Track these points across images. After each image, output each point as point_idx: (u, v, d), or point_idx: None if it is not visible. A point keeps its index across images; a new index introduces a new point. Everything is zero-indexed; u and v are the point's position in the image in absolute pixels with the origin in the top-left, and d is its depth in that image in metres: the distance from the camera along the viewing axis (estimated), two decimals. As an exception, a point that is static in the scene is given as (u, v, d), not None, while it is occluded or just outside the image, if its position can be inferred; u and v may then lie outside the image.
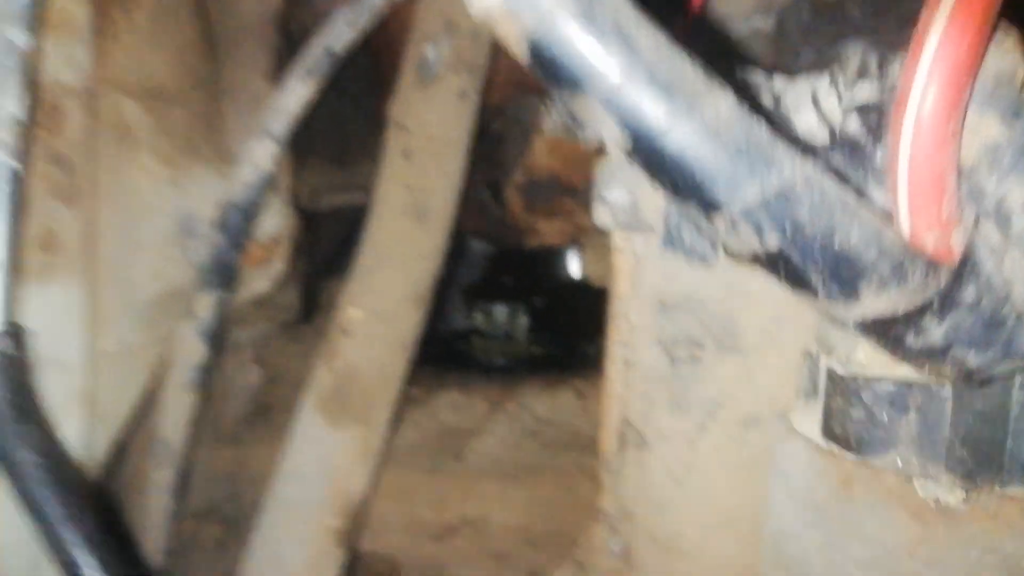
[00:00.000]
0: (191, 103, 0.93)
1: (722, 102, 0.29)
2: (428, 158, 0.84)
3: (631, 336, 0.56)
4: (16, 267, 0.55)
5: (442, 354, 1.21)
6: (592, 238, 1.19)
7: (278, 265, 1.01)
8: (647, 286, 0.55)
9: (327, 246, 1.79)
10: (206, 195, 0.90)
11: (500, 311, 1.19)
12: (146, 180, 0.84)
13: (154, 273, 0.86)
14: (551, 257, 1.24)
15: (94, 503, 0.72)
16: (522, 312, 1.19)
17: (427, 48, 0.84)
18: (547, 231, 1.17)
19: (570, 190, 1.15)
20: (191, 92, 0.93)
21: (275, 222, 0.98)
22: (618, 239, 0.56)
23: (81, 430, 0.78)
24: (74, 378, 0.76)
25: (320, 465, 0.77)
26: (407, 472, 0.90)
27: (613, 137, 0.29)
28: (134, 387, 0.87)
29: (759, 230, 0.30)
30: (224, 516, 1.03)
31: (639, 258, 0.55)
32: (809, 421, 0.46)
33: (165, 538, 0.88)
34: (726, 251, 0.38)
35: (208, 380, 0.94)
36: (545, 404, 1.02)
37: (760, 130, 0.29)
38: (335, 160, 1.28)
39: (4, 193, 0.49)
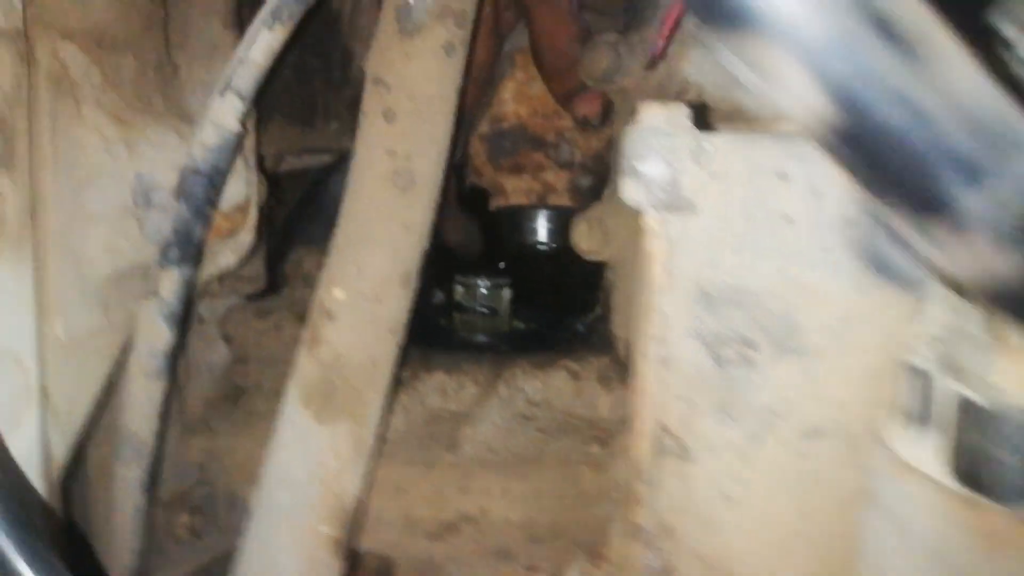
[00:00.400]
0: (141, 50, 0.82)
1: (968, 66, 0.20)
2: (412, 120, 0.75)
3: (667, 331, 0.50)
4: None
5: (422, 331, 1.13)
6: (579, 202, 1.12)
7: (245, 236, 0.93)
8: (686, 275, 0.49)
9: (288, 209, 1.69)
10: (163, 158, 0.81)
11: (482, 284, 1.11)
12: (94, 139, 0.74)
13: (108, 248, 0.76)
14: (524, 222, 1.17)
15: (50, 524, 0.64)
16: (505, 285, 1.12)
17: (410, -8, 0.75)
18: (513, 189, 1.10)
19: (538, 142, 1.08)
20: (140, 37, 0.82)
21: (240, 189, 0.89)
22: (651, 220, 0.49)
23: (38, 430, 0.69)
24: (27, 372, 0.67)
25: (309, 466, 0.70)
26: (399, 465, 0.84)
27: (807, 105, 0.20)
28: (94, 378, 0.78)
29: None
30: (196, 505, 0.96)
31: (675, 242, 0.49)
32: (923, 453, 0.40)
33: (138, 538, 0.81)
34: (950, 276, 0.27)
35: (174, 365, 0.86)
36: (537, 386, 0.95)
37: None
38: (300, 119, 1.18)
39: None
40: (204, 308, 1.23)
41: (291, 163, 1.25)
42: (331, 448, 0.73)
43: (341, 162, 1.38)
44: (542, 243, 1.13)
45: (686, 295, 0.49)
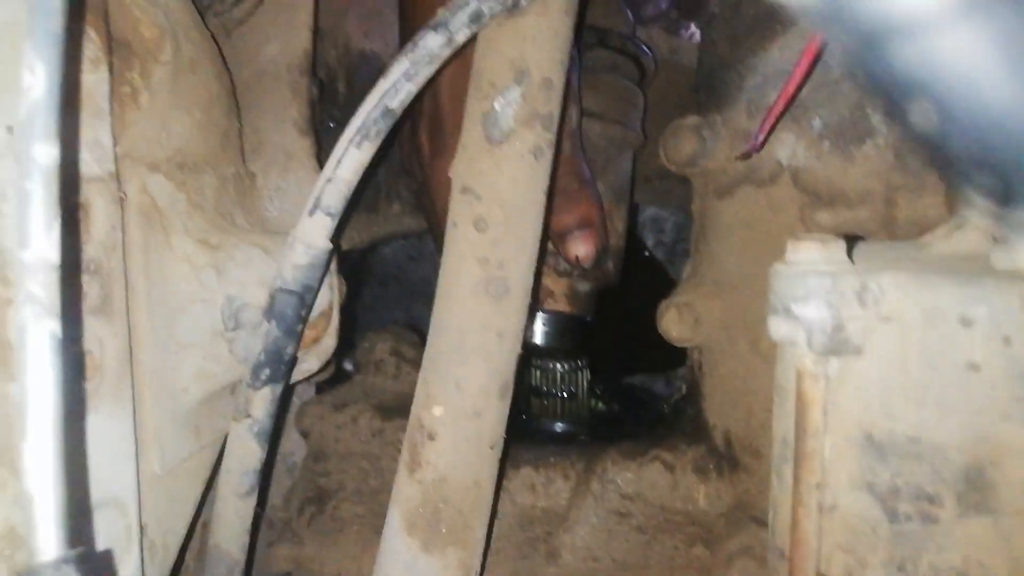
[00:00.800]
0: (220, 166, 0.81)
1: None
2: (503, 227, 0.73)
3: (827, 478, 0.46)
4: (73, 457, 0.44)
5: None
6: (578, 308, 1.07)
7: (328, 341, 0.91)
8: (850, 420, 0.45)
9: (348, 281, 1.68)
10: (250, 277, 0.79)
11: (560, 367, 1.08)
12: (184, 269, 0.72)
13: (200, 374, 0.75)
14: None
15: None
16: (583, 367, 1.09)
17: (495, 101, 0.73)
18: None
19: None
20: (219, 153, 0.81)
21: (323, 296, 0.87)
22: (808, 362, 0.46)
23: (137, 571, 0.67)
24: (128, 514, 0.65)
25: (420, 604, 0.67)
26: (500, 581, 0.80)
27: None
28: (188, 505, 0.76)
29: None
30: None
31: (835, 384, 0.45)
32: None
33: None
34: None
35: (265, 480, 0.84)
36: (630, 479, 0.91)
37: None
38: (365, 206, 1.17)
39: (48, 368, 0.37)
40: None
41: (358, 245, 1.24)
42: (438, 577, 0.70)
43: (401, 236, 1.37)
44: (538, 346, 1.09)
45: (850, 442, 0.45)
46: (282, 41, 0.91)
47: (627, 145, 1.09)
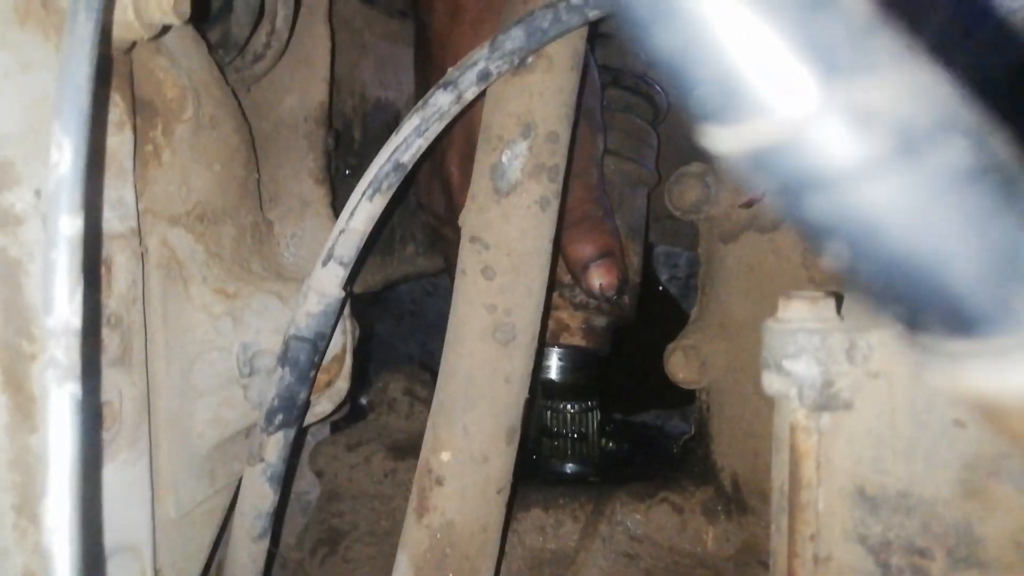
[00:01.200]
0: (239, 217, 0.84)
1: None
2: (511, 275, 0.75)
3: (822, 530, 0.47)
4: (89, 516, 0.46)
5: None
6: (594, 343, 1.08)
7: (341, 384, 0.93)
8: (842, 473, 0.46)
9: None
10: (265, 324, 0.82)
11: (571, 408, 1.09)
12: (201, 318, 0.75)
13: (215, 420, 0.77)
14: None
15: None
16: (594, 408, 1.10)
17: (502, 154, 0.75)
18: None
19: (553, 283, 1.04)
20: (238, 204, 0.84)
21: (337, 340, 0.90)
22: (799, 415, 0.47)
23: (148, 614, 0.69)
24: (143, 560, 0.67)
25: (427, 649, 0.68)
26: (508, 624, 0.81)
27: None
28: (202, 548, 0.78)
29: None
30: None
31: (827, 436, 0.47)
32: None
33: None
34: None
35: (278, 522, 0.85)
36: (639, 520, 0.92)
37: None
38: (380, 249, 1.20)
39: (67, 428, 0.40)
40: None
41: (372, 288, 1.27)
42: (445, 621, 0.71)
43: (415, 277, 1.40)
44: (552, 381, 1.10)
45: (843, 495, 0.46)
46: (299, 94, 0.94)
47: (641, 183, 1.10)
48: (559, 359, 1.09)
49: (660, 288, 1.93)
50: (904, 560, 0.44)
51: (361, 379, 1.35)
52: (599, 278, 0.94)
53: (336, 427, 1.25)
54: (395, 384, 1.21)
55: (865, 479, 0.45)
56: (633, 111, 1.12)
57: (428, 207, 1.06)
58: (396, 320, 2.08)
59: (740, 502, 0.90)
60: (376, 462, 1.07)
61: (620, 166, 1.07)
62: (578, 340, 1.06)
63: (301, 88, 0.94)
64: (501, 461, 0.75)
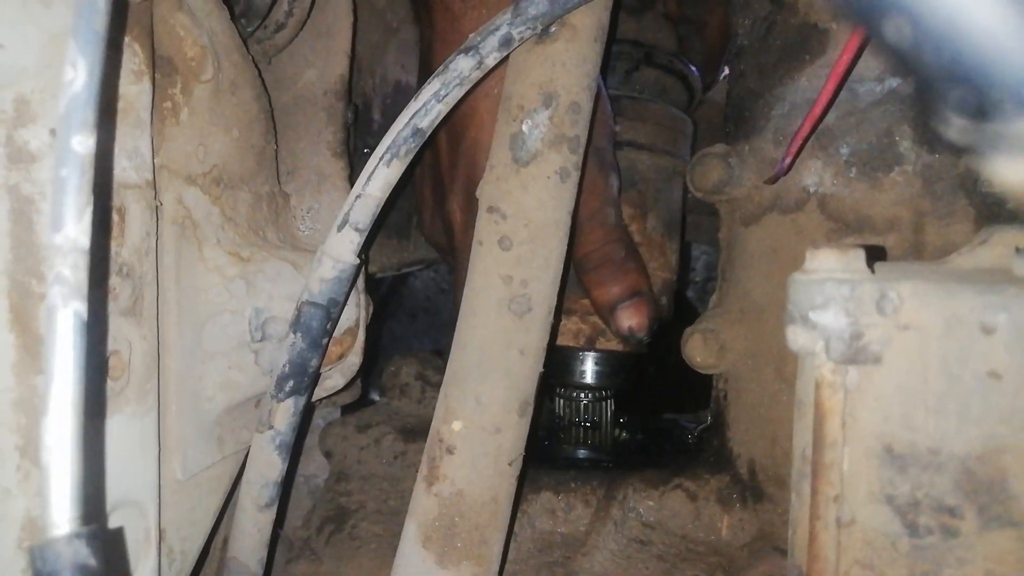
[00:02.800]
0: (255, 184, 0.84)
1: None
2: (528, 246, 0.74)
3: (846, 491, 0.45)
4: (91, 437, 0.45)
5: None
6: (630, 347, 1.05)
7: (354, 359, 0.92)
8: (868, 430, 0.44)
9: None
10: (278, 290, 0.81)
11: (584, 397, 1.07)
12: (214, 279, 0.74)
13: (225, 384, 0.76)
14: (571, 363, 1.09)
15: None
16: (608, 397, 1.08)
17: (523, 124, 0.74)
18: (562, 329, 1.02)
19: None
20: (255, 172, 0.84)
21: (351, 313, 0.89)
22: (826, 371, 0.45)
23: (152, 572, 0.68)
24: (147, 517, 0.66)
25: (433, 617, 0.66)
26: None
27: None
28: (208, 513, 0.77)
29: None
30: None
31: (854, 394, 0.45)
32: None
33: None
34: None
35: (284, 493, 0.84)
36: (652, 507, 0.90)
37: None
38: (395, 231, 1.19)
39: (70, 348, 0.39)
40: (302, 421, 1.22)
41: (389, 271, 1.26)
42: (452, 593, 0.69)
43: (430, 263, 1.39)
44: (588, 386, 1.07)
45: (868, 454, 0.44)
46: (320, 67, 0.94)
47: (677, 175, 1.06)
48: (595, 364, 1.06)
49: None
50: (933, 520, 0.42)
51: (374, 371, 1.34)
52: (628, 319, 0.91)
53: (347, 411, 1.24)
54: (407, 369, 1.20)
55: (893, 437, 0.43)
56: (667, 94, 1.09)
57: (430, 239, 1.05)
58: (411, 317, 2.07)
59: (756, 489, 0.88)
60: (386, 444, 1.06)
61: (655, 160, 1.03)
62: (614, 344, 1.03)
63: (322, 61, 0.94)
64: (513, 433, 0.73)
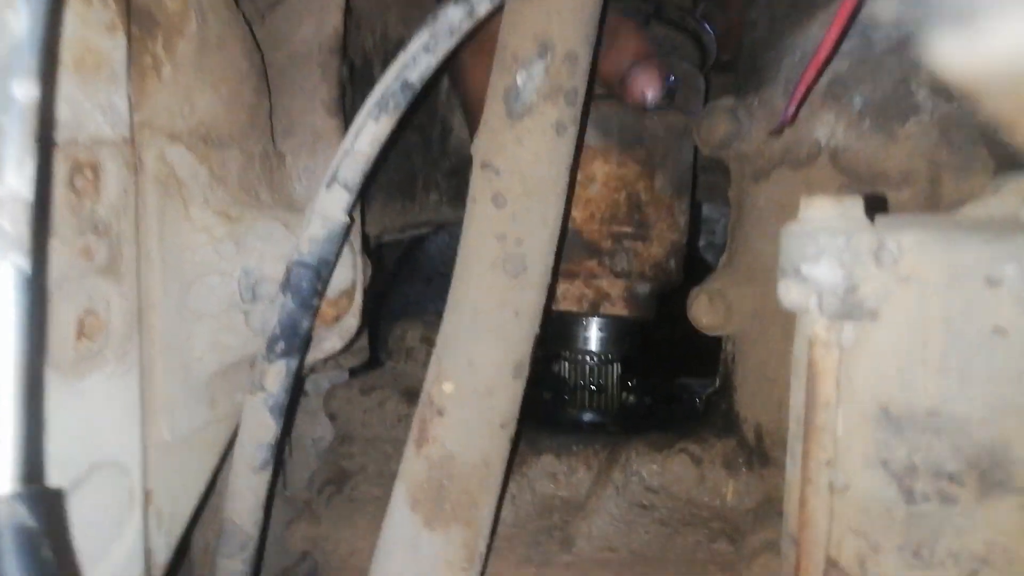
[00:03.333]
0: (247, 143, 0.82)
1: None
2: (523, 203, 0.71)
3: (839, 454, 0.43)
4: (34, 397, 0.43)
5: (527, 408, 1.07)
6: (636, 312, 1.01)
7: (351, 320, 0.90)
8: (864, 392, 0.42)
9: (387, 273, 1.69)
10: (269, 250, 0.79)
11: (590, 360, 1.05)
12: (201, 239, 0.73)
13: (215, 345, 0.75)
14: (575, 329, 1.06)
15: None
16: (614, 360, 1.05)
17: (517, 75, 0.71)
18: (564, 294, 1.00)
19: (593, 249, 0.97)
20: (246, 130, 0.81)
21: (347, 274, 0.87)
22: (820, 328, 0.42)
23: (139, 536, 0.67)
24: (131, 478, 0.66)
25: (419, 575, 0.65)
26: (511, 566, 0.78)
27: None
28: (199, 475, 0.76)
29: None
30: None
31: (850, 353, 0.42)
32: None
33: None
34: None
35: (280, 455, 0.83)
36: (655, 471, 0.88)
37: None
38: (400, 193, 1.17)
39: (9, 304, 0.37)
40: (308, 383, 1.22)
41: (394, 235, 1.24)
42: (443, 556, 0.68)
43: (438, 225, 1.36)
44: (592, 352, 1.03)
45: (864, 416, 0.42)
46: (314, 22, 0.91)
47: (687, 133, 1.00)
48: (599, 329, 1.03)
49: (695, 255, 1.87)
50: (931, 486, 0.39)
51: (377, 326, 1.32)
52: (642, 85, 0.84)
53: (353, 375, 1.23)
54: (413, 332, 1.18)
55: (890, 397, 0.41)
56: (678, 53, 1.04)
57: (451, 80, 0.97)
58: (426, 282, 2.05)
59: (762, 454, 0.85)
60: (390, 406, 1.05)
61: (664, 117, 0.98)
62: (620, 309, 0.99)
63: (316, 16, 0.90)
64: (507, 395, 0.71)
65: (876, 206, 0.44)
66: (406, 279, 1.98)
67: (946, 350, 0.38)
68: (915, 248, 0.39)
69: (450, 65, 0.92)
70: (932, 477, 0.39)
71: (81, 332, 0.59)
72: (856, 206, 0.41)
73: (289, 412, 0.81)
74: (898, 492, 0.41)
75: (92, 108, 0.59)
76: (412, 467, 0.69)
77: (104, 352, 0.61)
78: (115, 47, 0.61)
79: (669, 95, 0.87)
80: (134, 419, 0.65)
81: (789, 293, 0.42)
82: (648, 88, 0.84)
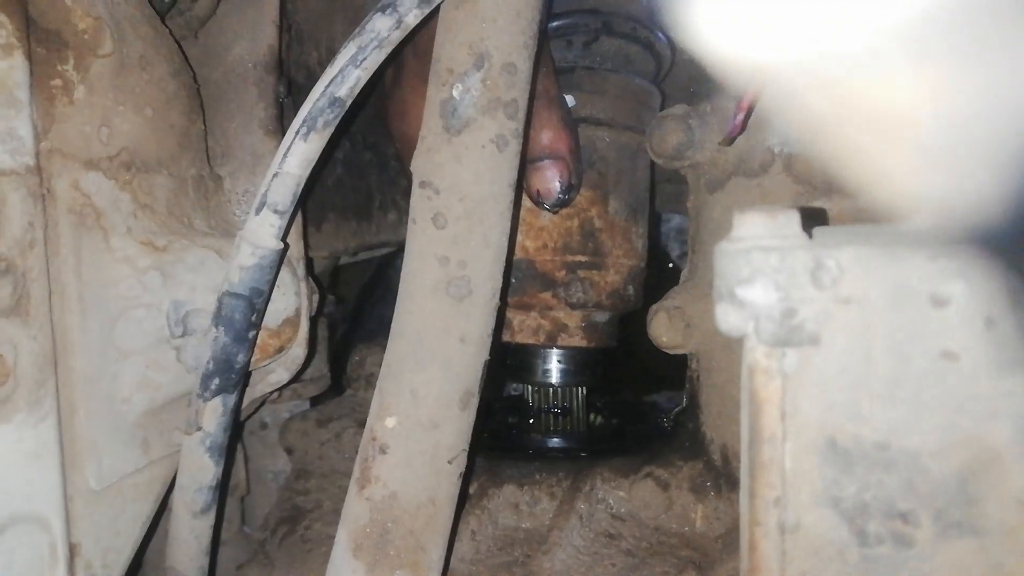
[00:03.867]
0: (178, 168, 0.78)
1: None
2: (464, 223, 0.67)
3: (787, 491, 0.39)
4: None
5: (488, 436, 1.02)
6: (596, 341, 0.98)
7: (297, 350, 0.86)
8: (811, 423, 0.38)
9: (355, 296, 1.65)
10: (201, 281, 0.75)
11: (555, 383, 1.01)
12: (124, 271, 0.68)
13: (143, 384, 0.70)
14: (533, 360, 1.02)
15: None
16: (579, 383, 1.01)
17: (453, 88, 0.68)
18: (520, 326, 0.97)
19: (547, 281, 0.93)
20: (176, 154, 0.77)
21: (288, 302, 0.83)
22: (759, 355, 0.39)
23: (64, 593, 0.63)
24: (52, 532, 0.61)
25: (361, 633, 0.61)
26: (468, 609, 0.73)
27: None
28: (134, 522, 0.72)
29: None
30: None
31: (792, 380, 0.38)
32: None
33: None
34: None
35: (222, 496, 0.79)
36: (622, 498, 0.84)
37: None
38: (355, 213, 1.13)
39: None
40: (267, 414, 1.17)
41: (352, 258, 1.20)
42: (390, 604, 0.64)
43: (398, 246, 1.32)
44: (552, 385, 1.00)
45: (811, 449, 0.38)
46: (248, 40, 0.87)
47: (641, 152, 0.96)
48: (559, 361, 1.00)
49: (671, 265, 1.84)
50: (884, 527, 0.36)
51: (345, 351, 1.28)
52: (537, 182, 0.80)
53: (316, 404, 1.19)
54: (372, 358, 1.14)
55: (837, 429, 0.37)
56: (632, 64, 1.00)
57: (387, 125, 0.93)
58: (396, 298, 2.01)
59: (730, 477, 0.82)
60: (347, 438, 1.01)
61: (616, 137, 0.94)
62: (578, 341, 0.95)
63: (250, 32, 0.87)
64: (453, 428, 0.67)
65: (815, 218, 0.40)
66: (380, 298, 1.93)
67: (893, 377, 0.35)
68: (855, 266, 0.35)
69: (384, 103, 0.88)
70: (884, 517, 0.36)
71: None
72: (791, 221, 0.37)
73: (231, 451, 0.77)
74: (850, 533, 0.37)
75: (-14, 137, 0.55)
76: (353, 510, 0.65)
77: (13, 399, 0.57)
78: (13, 68, 0.57)
79: (561, 204, 0.84)
80: (53, 469, 0.61)
81: (727, 318, 0.39)
82: (543, 187, 0.81)
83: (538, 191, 0.81)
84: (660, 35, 1.00)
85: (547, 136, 0.80)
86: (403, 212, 1.23)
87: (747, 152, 0.76)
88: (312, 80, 1.04)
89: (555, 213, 0.89)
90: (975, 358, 0.34)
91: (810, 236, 0.39)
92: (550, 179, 0.81)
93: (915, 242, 0.35)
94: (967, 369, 0.34)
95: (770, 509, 0.40)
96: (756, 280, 0.36)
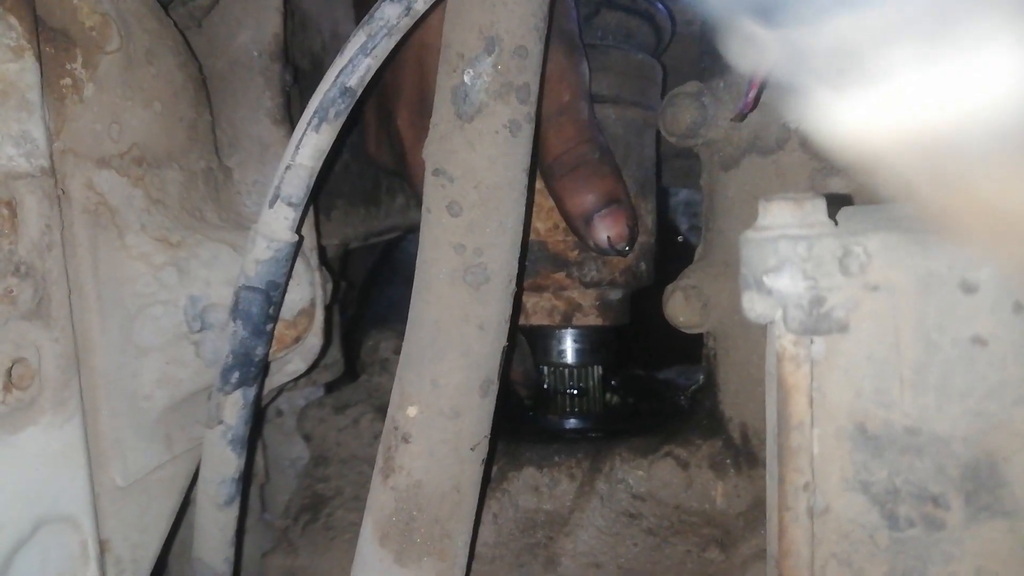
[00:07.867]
0: (188, 160, 0.77)
1: None
2: (480, 210, 0.67)
3: (817, 476, 0.39)
4: None
5: (506, 419, 1.03)
6: (611, 319, 0.97)
7: (313, 340, 0.86)
8: (840, 409, 0.38)
9: (363, 278, 1.65)
10: (217, 275, 0.75)
11: (570, 364, 1.01)
12: (140, 269, 0.68)
13: (164, 380, 0.71)
14: (549, 342, 1.01)
15: None
16: (595, 363, 1.02)
17: (464, 74, 0.67)
18: (534, 308, 0.96)
19: (559, 262, 0.93)
20: (186, 147, 0.77)
21: (304, 293, 0.83)
22: (787, 343, 0.39)
23: (96, 589, 0.64)
24: (82, 531, 0.62)
25: (390, 624, 0.61)
26: (491, 591, 0.74)
27: None
28: (160, 516, 0.73)
29: None
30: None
31: (820, 366, 0.38)
32: None
33: None
34: None
35: (245, 487, 0.80)
36: (641, 477, 0.84)
37: None
38: (363, 199, 1.13)
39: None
40: (283, 401, 1.18)
41: (362, 243, 1.20)
42: (417, 591, 0.65)
43: (407, 230, 1.32)
44: (568, 365, 1.00)
45: (841, 435, 0.38)
46: (253, 28, 0.87)
47: (648, 127, 0.96)
48: (575, 341, 1.00)
49: (680, 239, 1.83)
50: (914, 510, 0.36)
51: (355, 334, 1.29)
52: (606, 230, 0.81)
53: (331, 389, 1.20)
54: (386, 343, 1.14)
55: (866, 415, 0.37)
56: (633, 38, 0.99)
57: (376, 160, 0.95)
58: (407, 282, 2.01)
59: (750, 454, 0.82)
60: (365, 424, 1.01)
61: (622, 113, 0.93)
62: (593, 319, 0.95)
63: (254, 20, 0.86)
64: (475, 415, 0.68)
65: (841, 203, 0.40)
66: (387, 281, 1.93)
67: (923, 363, 0.35)
68: (883, 253, 0.35)
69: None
70: (916, 501, 0.36)
71: (9, 383, 0.55)
72: (818, 208, 0.37)
73: (253, 443, 0.78)
74: (881, 517, 0.37)
75: (2, 140, 0.55)
76: (379, 499, 0.65)
77: (39, 401, 0.57)
78: (24, 71, 0.57)
79: (633, 242, 0.84)
80: (81, 468, 0.61)
81: (754, 307, 0.39)
82: (614, 236, 0.82)
83: (609, 239, 0.82)
84: (660, 6, 0.99)
85: (604, 184, 0.82)
86: (411, 196, 1.23)
87: (762, 128, 0.75)
88: (317, 66, 1.04)
89: (626, 255, 0.88)
90: (1004, 343, 0.34)
91: (835, 222, 0.38)
92: (618, 225, 0.82)
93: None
94: (996, 354, 0.34)
95: (799, 494, 0.40)
96: (784, 269, 0.36)
